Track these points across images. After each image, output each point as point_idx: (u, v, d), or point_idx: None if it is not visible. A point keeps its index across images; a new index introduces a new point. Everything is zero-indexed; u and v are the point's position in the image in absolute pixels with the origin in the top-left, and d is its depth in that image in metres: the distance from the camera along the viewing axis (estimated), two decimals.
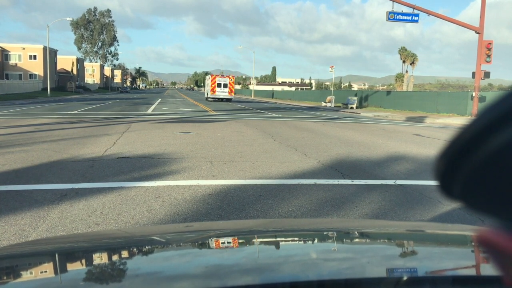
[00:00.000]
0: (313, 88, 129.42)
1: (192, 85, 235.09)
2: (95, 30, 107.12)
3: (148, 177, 6.13)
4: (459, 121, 21.20)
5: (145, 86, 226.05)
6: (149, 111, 23.13)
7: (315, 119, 20.49)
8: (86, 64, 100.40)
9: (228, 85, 42.45)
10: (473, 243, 1.26)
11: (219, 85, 42.59)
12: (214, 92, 42.34)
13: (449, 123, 20.87)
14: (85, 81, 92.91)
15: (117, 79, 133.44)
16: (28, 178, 5.91)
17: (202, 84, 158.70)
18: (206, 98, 44.80)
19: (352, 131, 14.43)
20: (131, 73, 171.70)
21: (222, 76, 43.48)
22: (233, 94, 43.35)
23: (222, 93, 42.36)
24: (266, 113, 24.48)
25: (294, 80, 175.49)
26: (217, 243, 1.37)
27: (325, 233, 1.56)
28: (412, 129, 16.97)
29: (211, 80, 42.84)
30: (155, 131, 12.37)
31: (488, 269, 0.94)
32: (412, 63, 54.79)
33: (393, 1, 24.81)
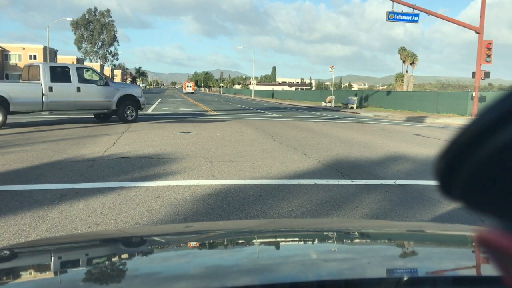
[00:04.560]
0: (313, 88, 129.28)
1: None
2: (95, 30, 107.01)
3: (148, 177, 6.13)
4: (459, 121, 21.21)
5: (145, 86, 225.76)
6: (149, 111, 23.11)
7: (315, 119, 20.50)
8: (86, 64, 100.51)
9: (192, 86, 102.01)
10: (473, 243, 1.26)
11: (187, 86, 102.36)
12: (185, 89, 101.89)
13: (449, 123, 20.88)
14: None
15: (117, 79, 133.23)
16: (28, 178, 5.91)
17: (201, 84, 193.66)
18: (183, 91, 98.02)
19: (352, 131, 14.43)
20: (131, 73, 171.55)
21: (189, 81, 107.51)
22: (194, 89, 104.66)
23: (189, 89, 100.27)
24: (266, 113, 24.48)
25: (294, 80, 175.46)
26: (217, 243, 1.37)
27: (325, 233, 1.56)
28: (412, 129, 16.97)
29: (184, 84, 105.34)
30: (155, 131, 12.37)
31: (488, 269, 0.94)
32: (412, 63, 54.79)
33: (393, 1, 24.81)
